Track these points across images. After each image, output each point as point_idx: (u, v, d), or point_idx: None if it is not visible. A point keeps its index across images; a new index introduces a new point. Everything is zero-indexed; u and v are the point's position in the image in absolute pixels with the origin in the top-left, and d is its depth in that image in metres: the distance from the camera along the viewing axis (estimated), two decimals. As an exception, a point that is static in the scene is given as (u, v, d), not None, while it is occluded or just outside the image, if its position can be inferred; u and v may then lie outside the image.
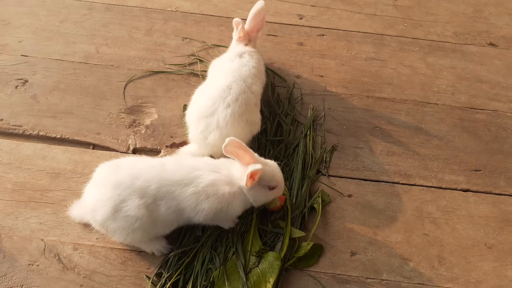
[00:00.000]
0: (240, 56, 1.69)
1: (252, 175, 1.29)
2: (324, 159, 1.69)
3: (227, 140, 1.28)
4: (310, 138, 1.73)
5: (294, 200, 1.55)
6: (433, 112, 1.88)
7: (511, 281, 1.44)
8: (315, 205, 1.55)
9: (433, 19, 2.27)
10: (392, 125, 1.82)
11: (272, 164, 1.39)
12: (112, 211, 1.30)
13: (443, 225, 1.55)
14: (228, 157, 1.35)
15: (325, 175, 1.66)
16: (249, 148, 1.31)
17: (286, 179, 1.58)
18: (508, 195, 1.65)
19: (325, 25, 2.20)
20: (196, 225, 1.45)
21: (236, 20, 1.73)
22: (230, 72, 1.60)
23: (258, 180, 1.33)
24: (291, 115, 1.80)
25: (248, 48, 1.74)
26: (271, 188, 1.38)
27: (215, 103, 1.52)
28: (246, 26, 1.76)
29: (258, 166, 1.27)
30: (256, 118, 1.62)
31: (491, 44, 2.18)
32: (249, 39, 1.78)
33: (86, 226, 1.46)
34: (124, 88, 1.87)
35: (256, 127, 1.61)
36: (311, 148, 1.70)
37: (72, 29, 2.09)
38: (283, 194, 1.48)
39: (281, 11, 2.24)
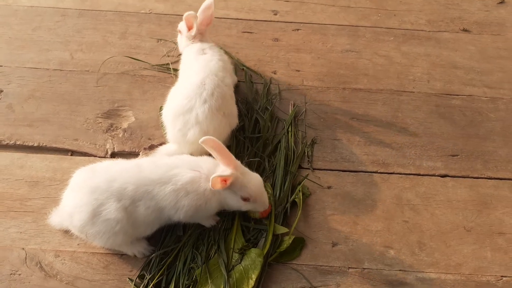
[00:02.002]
0: (203, 52, 1.70)
1: (224, 179, 1.30)
2: (306, 153, 1.70)
3: (202, 138, 1.28)
4: (291, 134, 1.74)
5: (277, 196, 1.56)
6: (409, 100, 1.90)
7: (491, 262, 1.46)
8: (296, 199, 1.56)
9: (406, 8, 2.29)
10: (369, 115, 1.83)
11: (251, 177, 1.37)
12: (90, 216, 1.30)
13: (422, 211, 1.57)
14: (210, 155, 1.35)
15: (309, 169, 1.66)
16: (226, 150, 1.30)
17: (269, 176, 1.60)
18: (485, 178, 1.67)
19: (300, 19, 2.21)
20: (177, 225, 1.46)
21: (190, 13, 1.69)
22: (200, 69, 1.61)
23: (230, 186, 1.33)
24: (269, 111, 1.81)
25: (206, 44, 1.74)
26: (243, 198, 1.37)
27: (191, 100, 1.53)
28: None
29: (226, 172, 1.28)
30: (233, 110, 1.63)
31: (464, 30, 2.20)
32: (200, 33, 1.76)
33: (67, 232, 1.46)
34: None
35: (234, 119, 1.63)
36: (292, 143, 1.71)
37: (46, 36, 2.07)
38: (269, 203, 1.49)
39: (255, 8, 2.25)
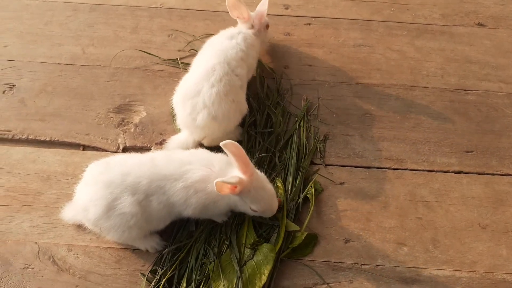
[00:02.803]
0: (232, 37, 1.71)
1: (234, 186, 1.27)
2: (318, 149, 1.69)
3: (223, 142, 1.24)
4: (303, 129, 1.72)
5: (289, 192, 1.55)
6: (423, 96, 1.87)
7: (506, 260, 1.44)
8: (309, 195, 1.54)
9: (420, 2, 2.26)
10: (382, 110, 1.81)
11: (266, 191, 1.34)
12: (105, 210, 1.30)
13: (436, 208, 1.55)
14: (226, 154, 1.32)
15: (321, 164, 1.65)
16: (246, 157, 1.27)
17: (280, 171, 1.59)
18: (501, 175, 1.64)
19: (312, 13, 2.18)
20: (189, 220, 1.45)
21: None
22: (215, 53, 1.62)
23: (240, 193, 1.30)
24: (281, 106, 1.79)
25: (246, 31, 1.76)
26: (252, 209, 1.36)
27: (199, 84, 1.54)
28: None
29: (233, 180, 1.24)
30: (242, 99, 1.63)
31: (479, 24, 2.16)
32: (252, 24, 1.80)
33: (79, 227, 1.46)
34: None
35: (244, 106, 1.63)
36: (304, 139, 1.69)
37: (57, 31, 2.07)
38: (278, 198, 1.48)
39: (267, 2, 2.22)
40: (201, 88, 1.53)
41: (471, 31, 2.13)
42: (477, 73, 1.96)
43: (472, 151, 1.71)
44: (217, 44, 1.69)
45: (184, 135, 1.61)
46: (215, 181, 1.22)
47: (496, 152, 1.70)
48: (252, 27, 1.80)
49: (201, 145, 1.61)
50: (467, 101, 1.86)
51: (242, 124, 1.68)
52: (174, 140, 1.62)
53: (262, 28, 1.84)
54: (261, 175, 1.39)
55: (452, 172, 1.65)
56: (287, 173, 1.60)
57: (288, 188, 1.55)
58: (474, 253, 1.45)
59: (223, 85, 1.53)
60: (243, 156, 1.27)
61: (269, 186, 1.37)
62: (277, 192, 1.48)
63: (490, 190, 1.60)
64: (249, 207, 1.35)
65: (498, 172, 1.65)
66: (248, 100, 1.68)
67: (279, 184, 1.55)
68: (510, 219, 1.53)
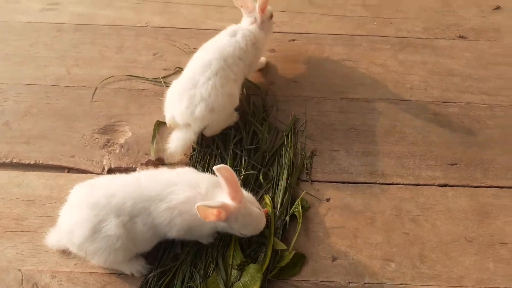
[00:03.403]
0: (233, 35, 1.75)
1: (218, 213, 1.25)
2: (305, 165, 1.69)
3: (217, 166, 1.23)
4: (291, 145, 1.73)
5: (277, 210, 1.54)
6: (407, 109, 1.89)
7: (493, 274, 1.45)
8: (296, 213, 1.54)
9: (402, 16, 2.29)
10: (367, 125, 1.82)
11: (254, 216, 1.33)
12: (91, 233, 1.28)
13: (422, 222, 1.56)
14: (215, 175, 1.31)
15: (307, 181, 1.65)
16: (237, 183, 1.26)
17: (268, 189, 1.59)
18: (485, 187, 1.66)
19: (296, 29, 2.20)
20: (174, 242, 1.44)
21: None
22: (213, 50, 1.68)
23: (226, 219, 1.29)
24: (267, 122, 1.80)
25: (248, 27, 1.80)
26: (241, 234, 1.37)
27: (195, 77, 1.61)
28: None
29: (216, 204, 1.22)
30: (235, 91, 1.69)
31: (461, 37, 2.19)
32: (255, 17, 1.82)
33: (64, 252, 1.44)
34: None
35: (236, 99, 1.70)
36: (292, 155, 1.69)
37: (43, 52, 2.07)
38: (265, 209, 1.48)
39: (251, 19, 2.24)
40: (197, 81, 1.60)
41: (452, 44, 2.16)
42: (459, 86, 1.98)
43: (456, 164, 1.72)
44: (218, 41, 1.74)
45: (183, 132, 1.65)
46: (196, 205, 1.20)
47: (480, 164, 1.71)
48: (255, 20, 1.82)
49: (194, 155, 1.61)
50: (450, 114, 1.88)
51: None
52: (174, 138, 1.66)
53: (266, 19, 1.85)
54: (248, 196, 1.38)
55: (437, 185, 1.66)
56: (275, 191, 1.60)
57: (277, 206, 1.55)
58: (461, 267, 1.46)
59: (218, 78, 1.60)
60: (234, 182, 1.26)
61: (256, 209, 1.35)
62: (264, 206, 1.49)
63: (475, 203, 1.61)
64: (238, 232, 1.35)
65: (483, 184, 1.66)
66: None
67: (267, 201, 1.55)
68: (496, 231, 1.54)
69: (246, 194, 1.38)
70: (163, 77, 1.96)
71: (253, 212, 1.33)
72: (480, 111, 1.88)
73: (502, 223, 1.56)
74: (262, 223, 1.39)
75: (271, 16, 1.90)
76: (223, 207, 1.23)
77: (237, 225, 1.32)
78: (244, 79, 1.82)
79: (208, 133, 1.68)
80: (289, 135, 1.76)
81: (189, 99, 1.59)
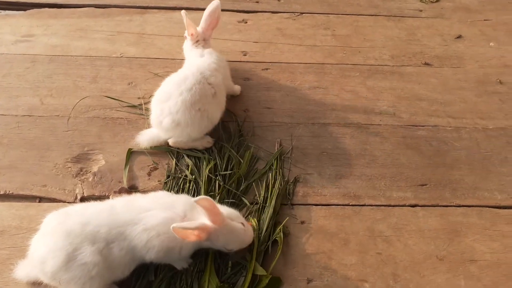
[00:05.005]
0: (201, 56, 1.86)
1: (198, 234, 1.28)
2: (287, 190, 1.71)
3: (196, 198, 1.26)
4: (278, 172, 1.74)
5: (262, 234, 1.54)
6: (377, 133, 1.94)
7: (465, 291, 1.47)
8: (278, 238, 1.54)
9: (370, 45, 2.39)
10: (338, 148, 1.87)
11: (236, 233, 1.37)
12: (65, 261, 1.26)
13: (395, 242, 1.58)
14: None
15: (287, 204, 1.66)
16: (217, 209, 1.29)
17: (250, 213, 1.60)
18: (454, 206, 1.70)
19: (268, 59, 2.27)
20: (148, 269, 1.42)
21: (190, 22, 1.87)
22: (190, 66, 1.79)
23: (209, 238, 1.32)
24: (243, 146, 1.82)
25: (207, 50, 1.90)
26: (227, 249, 1.39)
27: (169, 91, 1.68)
28: (202, 24, 1.93)
29: (192, 225, 1.26)
30: (214, 108, 1.75)
31: (426, 64, 2.30)
32: (204, 38, 1.93)
33: (34, 284, 1.40)
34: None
35: (215, 115, 1.77)
36: (279, 182, 1.71)
37: (15, 83, 2.07)
38: (249, 222, 1.50)
39: (226, 49, 2.31)
40: (171, 95, 1.67)
41: (419, 71, 2.26)
42: (426, 110, 2.06)
43: (426, 184, 1.77)
44: (191, 61, 1.87)
45: (155, 131, 1.76)
46: (171, 226, 1.21)
47: (448, 184, 1.77)
48: (204, 40, 1.93)
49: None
50: (419, 137, 1.94)
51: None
52: (145, 134, 1.76)
53: (207, 37, 1.96)
54: (231, 213, 1.41)
55: (408, 205, 1.70)
56: (260, 215, 1.60)
57: (262, 231, 1.55)
58: (433, 285, 1.48)
59: (191, 94, 1.66)
60: (214, 209, 1.28)
61: (238, 225, 1.37)
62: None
63: (445, 222, 1.65)
64: (223, 248, 1.36)
65: (452, 204, 1.71)
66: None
67: (253, 224, 1.54)
68: (466, 249, 1.57)
69: (228, 210, 1.41)
70: (139, 105, 1.98)
71: (235, 229, 1.35)
72: (446, 133, 1.96)
73: (471, 240, 1.59)
74: (248, 237, 1.40)
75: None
76: (201, 228, 1.25)
77: (219, 243, 1.33)
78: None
79: (171, 142, 1.76)
80: (276, 162, 1.78)
81: (160, 110, 1.69)
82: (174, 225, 1.21)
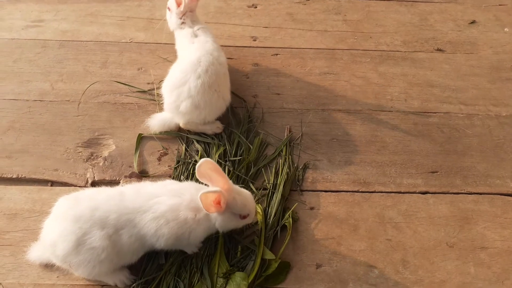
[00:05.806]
0: (195, 35, 1.83)
1: (218, 201, 1.29)
2: (296, 177, 1.71)
3: (201, 160, 1.29)
4: (287, 158, 1.74)
5: (270, 220, 1.55)
6: (388, 119, 1.93)
7: (474, 278, 1.46)
8: (287, 223, 1.55)
9: (382, 30, 2.36)
10: (349, 135, 1.86)
11: (245, 193, 1.40)
12: (75, 245, 1.28)
13: (404, 229, 1.58)
14: (199, 182, 1.36)
15: (296, 190, 1.66)
16: (221, 171, 1.31)
17: (262, 199, 1.61)
18: (465, 193, 1.69)
19: (278, 44, 2.25)
20: (159, 252, 1.44)
21: None
22: (196, 49, 1.75)
23: (230, 208, 1.34)
24: (252, 132, 1.82)
25: (197, 25, 1.87)
26: (243, 217, 1.39)
27: (186, 75, 1.68)
28: None
29: (215, 189, 1.28)
30: (226, 88, 1.78)
31: (439, 50, 2.26)
32: (191, 10, 1.88)
33: (46, 266, 1.43)
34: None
35: (227, 95, 1.79)
36: (287, 167, 1.71)
37: (26, 68, 2.08)
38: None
39: (235, 35, 2.29)
40: (188, 79, 1.67)
41: (431, 57, 2.23)
42: (438, 96, 2.03)
43: (437, 172, 1.75)
44: (189, 43, 1.81)
45: (167, 115, 1.76)
46: (199, 194, 1.24)
47: (459, 172, 1.75)
48: (191, 11, 1.88)
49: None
50: (430, 123, 1.92)
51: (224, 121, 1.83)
52: (156, 118, 1.77)
53: (194, 7, 1.89)
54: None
55: (418, 192, 1.69)
56: (269, 201, 1.60)
57: (271, 216, 1.55)
58: (443, 272, 1.47)
59: (208, 75, 1.67)
60: (219, 170, 1.30)
61: (243, 189, 1.42)
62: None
63: (456, 209, 1.64)
64: (239, 217, 1.37)
65: (462, 191, 1.69)
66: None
67: (259, 211, 1.55)
68: (476, 236, 1.56)
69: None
70: (149, 90, 1.98)
71: (242, 190, 1.40)
72: (458, 121, 1.93)
73: (482, 228, 1.58)
74: (253, 201, 1.43)
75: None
76: (222, 192, 1.27)
77: (238, 206, 1.34)
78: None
79: (183, 125, 1.77)
80: (285, 148, 1.78)
81: (177, 95, 1.69)
82: (202, 191, 1.24)
